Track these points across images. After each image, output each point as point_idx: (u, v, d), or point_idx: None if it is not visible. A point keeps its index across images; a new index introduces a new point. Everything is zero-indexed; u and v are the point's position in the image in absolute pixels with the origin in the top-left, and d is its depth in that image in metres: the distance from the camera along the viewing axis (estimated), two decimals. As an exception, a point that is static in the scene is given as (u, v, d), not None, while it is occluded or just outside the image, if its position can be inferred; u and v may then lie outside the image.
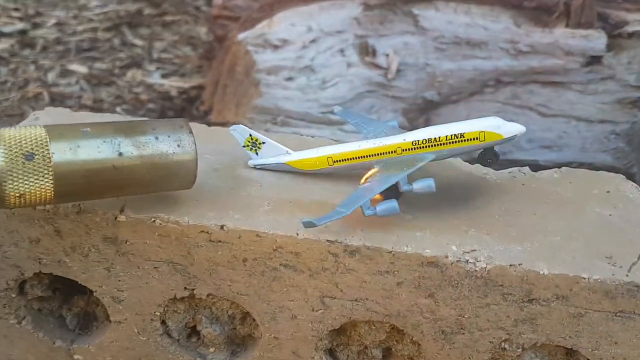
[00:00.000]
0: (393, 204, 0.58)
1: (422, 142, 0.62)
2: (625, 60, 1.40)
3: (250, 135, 0.66)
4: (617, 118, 1.32)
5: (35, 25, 2.04)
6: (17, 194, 0.50)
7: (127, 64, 1.83)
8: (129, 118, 0.79)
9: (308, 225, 0.56)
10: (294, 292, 0.60)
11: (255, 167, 0.67)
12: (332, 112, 1.38)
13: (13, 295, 0.66)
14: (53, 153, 0.51)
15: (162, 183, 0.57)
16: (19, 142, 0.50)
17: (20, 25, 2.02)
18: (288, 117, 1.31)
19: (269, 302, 0.61)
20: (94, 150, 0.53)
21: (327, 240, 0.58)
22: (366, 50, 1.39)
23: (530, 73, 1.40)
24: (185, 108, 1.62)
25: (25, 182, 0.50)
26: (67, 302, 0.70)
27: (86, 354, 0.68)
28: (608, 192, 0.67)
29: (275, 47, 1.34)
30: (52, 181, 0.51)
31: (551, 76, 1.39)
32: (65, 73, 1.76)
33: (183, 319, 0.65)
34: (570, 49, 1.38)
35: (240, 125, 0.66)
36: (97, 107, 1.62)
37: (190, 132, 0.57)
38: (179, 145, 0.56)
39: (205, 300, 0.64)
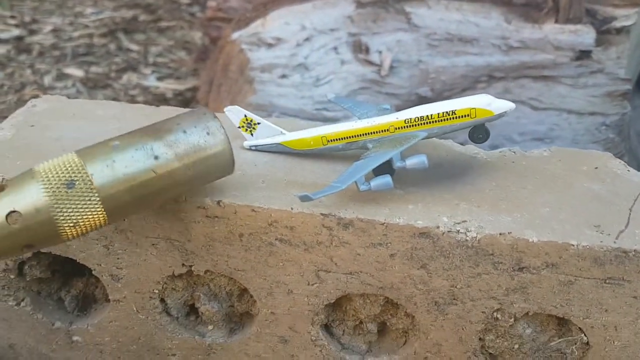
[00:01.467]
0: (387, 178, 0.60)
1: (415, 120, 0.63)
2: (614, 55, 1.42)
3: (245, 116, 0.67)
4: (607, 110, 1.33)
5: (32, 32, 2.06)
6: (71, 224, 0.50)
7: (123, 67, 1.85)
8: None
9: (304, 199, 0.57)
10: (289, 267, 0.62)
11: (250, 148, 0.69)
12: (326, 109, 1.40)
13: (12, 277, 0.67)
14: (92, 174, 0.50)
15: (204, 176, 0.55)
16: (56, 173, 0.50)
17: (16, 32, 2.04)
18: (283, 113, 1.32)
19: (265, 277, 0.62)
20: (130, 161, 0.52)
21: (321, 214, 0.59)
22: (359, 48, 1.41)
23: (521, 68, 1.42)
24: (181, 108, 1.63)
25: (75, 210, 0.50)
26: (66, 284, 0.71)
27: (85, 335, 0.69)
28: (596, 168, 0.68)
29: (269, 45, 1.36)
30: (99, 202, 0.50)
31: (542, 71, 1.41)
32: (61, 77, 1.77)
33: (182, 297, 0.66)
34: (560, 44, 1.40)
35: (236, 106, 0.67)
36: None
37: (215, 116, 0.56)
38: (208, 133, 0.54)
39: (203, 277, 0.65)
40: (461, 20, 1.43)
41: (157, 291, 0.65)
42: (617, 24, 1.43)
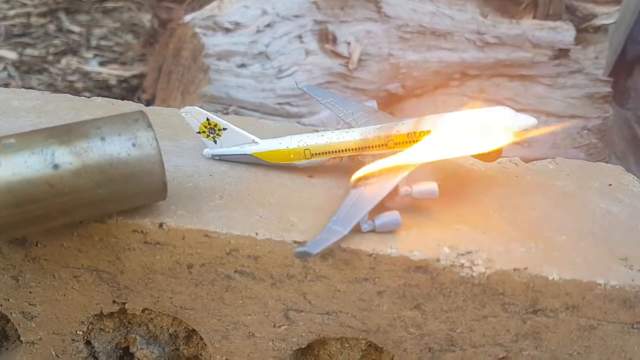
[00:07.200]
0: (395, 216, 0.48)
1: (419, 134, 0.51)
2: (592, 54, 1.35)
3: (208, 119, 0.54)
4: (588, 113, 1.26)
5: (-40, 8, 1.85)
6: None
7: (62, 50, 1.67)
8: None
9: (302, 255, 0.45)
10: (251, 305, 0.49)
11: (213, 158, 0.55)
12: (289, 104, 1.27)
13: None
14: None
15: (122, 199, 0.43)
16: None
17: (-58, 7, 1.83)
18: (241, 107, 1.19)
19: (220, 318, 0.50)
20: (21, 167, 0.40)
21: (294, 242, 0.47)
22: (326, 38, 1.29)
23: (497, 66, 1.33)
24: (125, 98, 1.47)
25: None
26: (-33, 319, 0.57)
27: (-10, 384, 0.55)
28: (610, 185, 0.59)
29: (227, 30, 1.23)
30: None
31: (519, 69, 1.33)
32: (-9, 58, 1.59)
33: (112, 339, 0.53)
34: (539, 41, 1.32)
35: (195, 107, 0.54)
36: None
37: (149, 126, 0.44)
38: (134, 145, 0.42)
39: (140, 316, 0.52)
40: (435, 12, 1.32)
41: (81, 332, 0.51)
42: (598, 21, 1.36)
